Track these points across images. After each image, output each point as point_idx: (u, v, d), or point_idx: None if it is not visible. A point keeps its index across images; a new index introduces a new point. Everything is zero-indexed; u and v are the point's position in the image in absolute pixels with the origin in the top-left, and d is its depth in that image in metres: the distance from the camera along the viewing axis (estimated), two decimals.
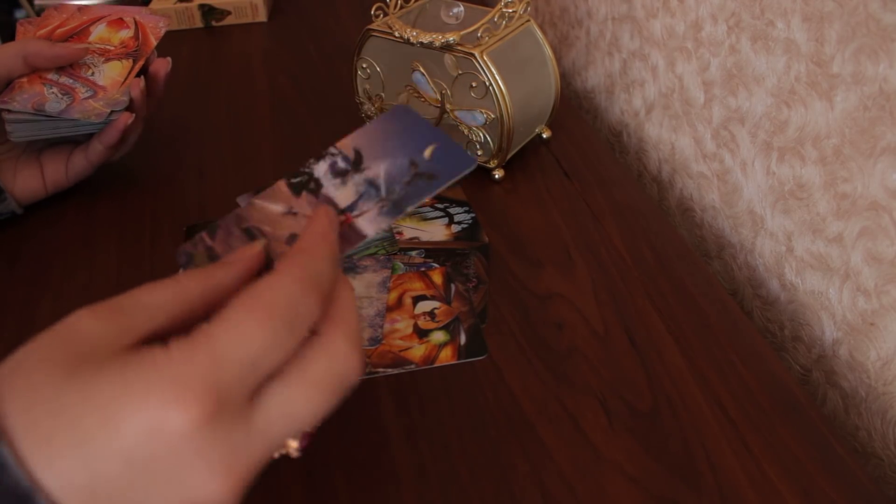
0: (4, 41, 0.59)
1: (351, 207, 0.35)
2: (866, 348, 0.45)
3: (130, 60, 0.58)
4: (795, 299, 0.51)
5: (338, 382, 0.26)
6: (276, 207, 0.36)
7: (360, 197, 0.35)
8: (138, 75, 0.57)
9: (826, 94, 0.45)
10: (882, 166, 0.42)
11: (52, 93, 0.54)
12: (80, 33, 0.58)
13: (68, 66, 0.56)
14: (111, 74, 0.57)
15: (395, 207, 0.34)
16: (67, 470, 0.22)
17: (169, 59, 0.59)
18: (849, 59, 0.43)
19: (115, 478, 0.22)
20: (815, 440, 0.39)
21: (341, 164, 0.37)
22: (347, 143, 0.37)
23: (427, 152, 0.36)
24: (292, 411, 0.25)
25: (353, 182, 0.36)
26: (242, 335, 0.24)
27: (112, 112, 0.54)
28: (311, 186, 0.36)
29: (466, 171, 0.34)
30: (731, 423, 0.40)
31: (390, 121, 0.37)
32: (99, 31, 0.59)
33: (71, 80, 0.56)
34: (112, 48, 0.58)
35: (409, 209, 0.34)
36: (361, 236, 0.33)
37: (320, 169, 0.36)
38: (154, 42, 0.59)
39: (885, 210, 0.42)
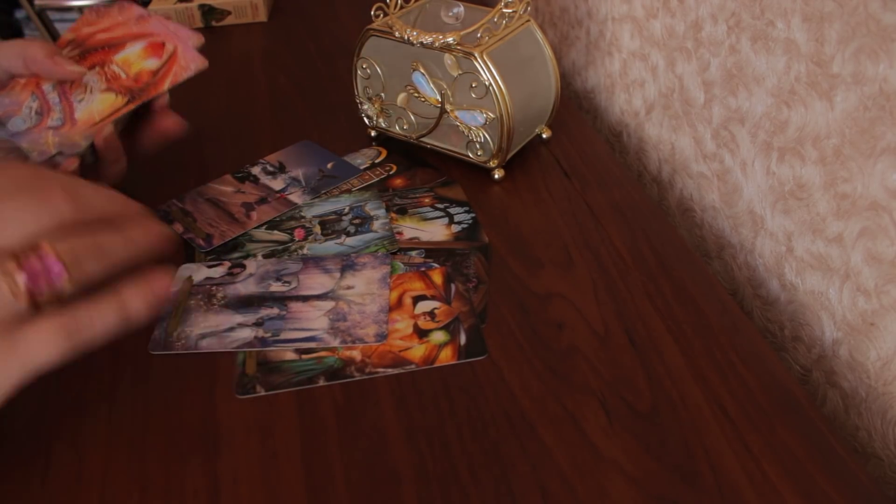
0: (5, 40, 0.58)
1: (283, 190, 0.59)
2: (866, 348, 0.45)
3: (125, 99, 0.53)
4: (795, 299, 0.51)
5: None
6: (227, 188, 0.60)
7: (288, 185, 0.60)
8: (139, 111, 0.53)
9: (826, 94, 0.45)
10: (882, 166, 0.42)
11: (29, 107, 0.51)
12: (115, 45, 0.55)
13: (67, 82, 0.52)
14: (96, 108, 0.52)
15: (313, 191, 0.59)
16: None
17: (184, 122, 0.54)
18: (849, 59, 0.43)
19: None
20: (815, 440, 0.39)
21: (270, 168, 0.62)
22: (272, 158, 0.63)
23: (329, 165, 0.62)
24: None
25: (282, 178, 0.60)
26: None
27: (58, 154, 0.49)
28: (251, 179, 0.60)
29: (356, 175, 0.61)
30: (731, 423, 0.40)
31: (301, 148, 0.64)
32: (131, 51, 0.54)
33: (56, 100, 0.52)
34: (124, 77, 0.54)
35: (322, 192, 0.58)
36: (292, 204, 0.57)
37: (256, 169, 0.61)
38: (166, 88, 0.54)
39: (885, 210, 0.42)
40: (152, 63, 0.54)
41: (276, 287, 0.49)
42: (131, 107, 0.53)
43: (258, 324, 0.46)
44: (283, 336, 0.45)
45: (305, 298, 0.48)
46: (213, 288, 0.49)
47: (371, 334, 0.45)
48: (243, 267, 0.51)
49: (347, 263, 0.51)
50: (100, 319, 0.33)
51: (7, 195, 0.31)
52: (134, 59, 0.54)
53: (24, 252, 0.30)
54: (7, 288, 0.30)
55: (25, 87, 0.53)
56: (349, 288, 0.49)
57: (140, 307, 0.34)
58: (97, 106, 0.52)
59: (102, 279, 0.33)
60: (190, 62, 0.54)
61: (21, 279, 0.30)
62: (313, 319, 0.46)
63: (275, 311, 0.47)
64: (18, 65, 0.52)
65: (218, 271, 0.51)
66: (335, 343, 0.45)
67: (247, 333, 0.46)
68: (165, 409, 0.42)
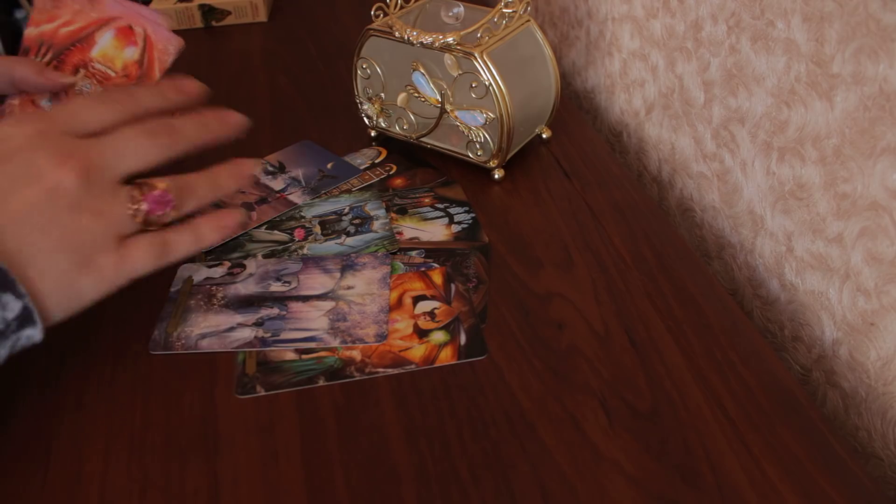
0: (4, 41, 0.57)
1: (283, 190, 0.59)
2: (866, 348, 0.45)
3: None
4: (795, 299, 0.51)
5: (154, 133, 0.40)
6: None
7: (288, 185, 0.60)
8: None
9: (826, 94, 0.45)
10: (882, 166, 0.42)
11: None
12: (85, 40, 0.54)
13: (62, 92, 0.52)
14: None
15: (312, 191, 0.59)
16: None
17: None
18: (849, 59, 0.43)
19: None
20: (815, 440, 0.39)
21: (270, 168, 0.61)
22: (272, 158, 0.63)
23: (329, 165, 0.61)
24: (114, 140, 0.39)
25: (282, 178, 0.60)
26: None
27: None
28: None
29: (356, 175, 0.61)
30: (731, 423, 0.40)
31: (301, 148, 0.64)
32: (104, 44, 0.54)
33: None
34: (113, 74, 0.53)
35: (322, 192, 0.59)
36: (292, 203, 0.57)
37: (256, 169, 0.54)
38: (158, 76, 0.54)
39: (885, 210, 0.42)
40: (132, 52, 0.54)
41: (276, 287, 0.49)
42: None
43: (258, 324, 0.46)
44: (283, 336, 0.45)
45: (305, 298, 0.48)
46: (213, 288, 0.49)
47: (371, 334, 0.45)
48: (243, 267, 0.51)
49: (347, 263, 0.51)
50: (181, 243, 0.41)
51: (128, 130, 0.39)
52: (111, 52, 0.54)
53: (146, 185, 0.39)
54: (132, 212, 0.39)
55: (23, 107, 0.52)
56: (349, 288, 0.49)
57: (211, 235, 0.43)
58: None
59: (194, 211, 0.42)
60: (167, 43, 0.54)
61: (144, 206, 0.39)
62: (313, 319, 0.46)
63: (275, 311, 0.47)
64: (5, 84, 0.52)
65: (218, 271, 0.51)
66: (335, 343, 0.45)
67: (247, 333, 0.46)
68: (165, 408, 0.42)
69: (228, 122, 0.46)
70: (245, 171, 0.45)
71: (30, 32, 0.54)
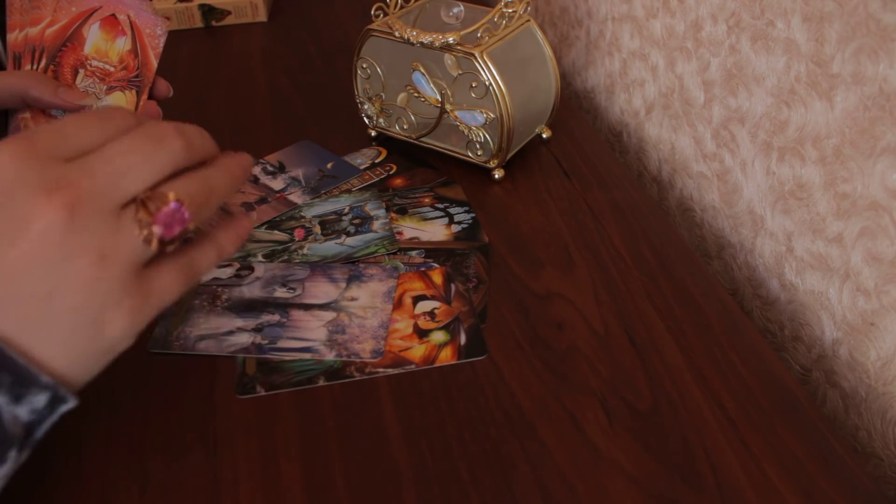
0: (4, 40, 0.57)
1: (283, 190, 0.59)
2: (866, 348, 0.45)
3: (134, 92, 0.53)
4: (795, 299, 0.51)
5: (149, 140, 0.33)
6: None
7: (288, 185, 0.60)
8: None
9: (826, 94, 0.45)
10: (882, 166, 0.42)
11: None
12: (74, 37, 0.53)
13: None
14: None
15: (312, 191, 0.59)
16: None
17: (169, 85, 0.54)
18: (849, 59, 0.43)
19: None
20: (815, 440, 0.39)
21: (270, 168, 0.61)
22: (272, 158, 0.63)
23: (329, 165, 0.62)
24: (111, 155, 0.32)
25: (282, 178, 0.61)
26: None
27: None
28: (251, 178, 0.60)
29: (356, 175, 0.61)
30: (731, 423, 0.40)
31: (301, 148, 0.65)
32: (94, 39, 0.53)
33: None
34: (112, 69, 0.53)
35: (322, 192, 0.59)
36: (292, 203, 0.58)
37: (255, 169, 0.60)
38: (155, 62, 0.53)
39: (885, 210, 0.42)
40: (123, 42, 0.54)
41: (280, 293, 0.49)
42: (144, 97, 0.53)
43: (257, 329, 0.46)
44: (280, 344, 0.45)
45: (308, 307, 0.48)
46: (219, 289, 0.49)
47: (367, 350, 0.45)
48: (251, 269, 0.51)
49: (354, 274, 0.50)
50: (205, 260, 0.36)
51: (126, 139, 0.33)
52: (103, 45, 0.53)
53: (153, 201, 0.32)
54: (143, 237, 0.32)
55: (35, 120, 0.51)
56: (353, 300, 0.48)
57: (231, 246, 0.38)
58: None
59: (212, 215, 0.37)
60: (153, 27, 0.53)
61: (157, 230, 0.32)
62: (312, 329, 0.46)
63: (276, 317, 0.47)
64: (16, 101, 0.50)
65: (226, 272, 0.51)
66: (330, 356, 0.44)
67: (245, 339, 0.46)
68: (165, 408, 0.42)
69: (243, 162, 0.39)
70: (246, 159, 0.39)
71: (15, 37, 0.53)
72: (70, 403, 0.32)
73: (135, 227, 0.32)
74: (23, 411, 0.31)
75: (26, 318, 0.31)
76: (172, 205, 0.33)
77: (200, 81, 0.78)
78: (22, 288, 0.30)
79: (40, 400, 0.31)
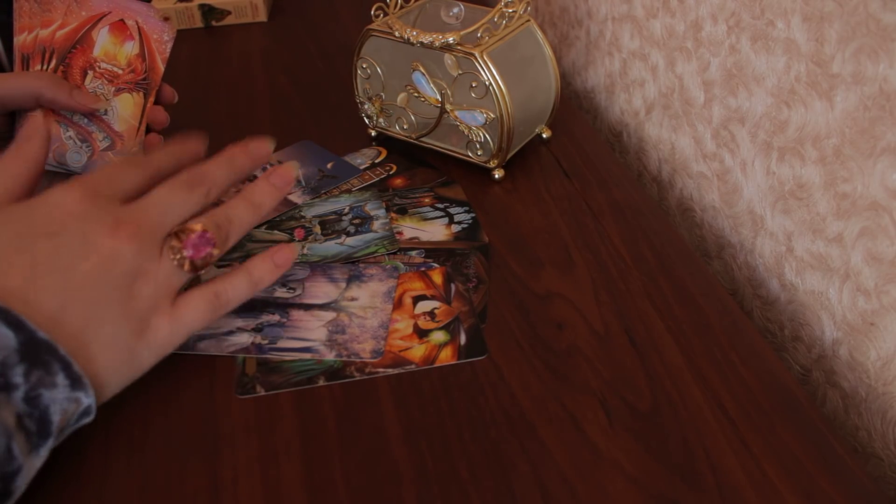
0: (4, 41, 0.57)
1: None
2: (866, 348, 0.45)
3: (141, 94, 0.54)
4: (795, 299, 0.51)
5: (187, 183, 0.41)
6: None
7: None
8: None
9: (826, 94, 0.45)
10: (882, 166, 0.42)
11: (70, 138, 0.51)
12: (84, 41, 0.54)
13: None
14: (125, 115, 0.53)
15: (312, 191, 0.59)
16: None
17: (175, 91, 0.58)
18: (849, 59, 0.43)
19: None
20: (815, 440, 0.39)
21: (269, 168, 0.55)
22: (272, 158, 0.62)
23: (329, 165, 0.62)
24: (157, 199, 0.40)
25: None
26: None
27: None
28: (251, 178, 0.53)
29: (356, 175, 0.61)
30: (731, 423, 0.40)
31: (301, 148, 0.65)
32: (103, 42, 0.54)
33: (86, 121, 0.52)
34: (121, 72, 0.54)
35: (322, 192, 0.59)
36: (292, 203, 0.58)
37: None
38: (162, 67, 0.55)
39: (885, 210, 0.42)
40: (131, 46, 0.55)
41: (280, 293, 0.49)
42: (151, 99, 0.54)
43: (257, 329, 0.46)
44: (280, 344, 0.45)
45: (307, 307, 0.48)
46: None
47: (367, 350, 0.45)
48: None
49: (355, 274, 0.50)
50: (235, 289, 0.42)
51: (167, 185, 0.41)
52: (112, 49, 0.55)
53: (184, 232, 0.40)
54: (176, 262, 0.39)
55: (47, 121, 0.51)
56: (353, 300, 0.48)
57: (265, 276, 0.43)
58: (125, 112, 0.54)
59: (238, 241, 0.43)
60: (161, 33, 0.56)
61: (187, 253, 0.39)
62: (312, 329, 0.46)
63: (275, 317, 0.47)
64: (29, 102, 0.50)
65: (226, 272, 0.51)
66: (330, 356, 0.44)
67: (244, 339, 0.46)
68: (165, 408, 0.42)
69: (255, 155, 0.46)
70: (284, 180, 0.46)
71: (24, 40, 0.53)
72: (90, 417, 0.37)
73: (170, 253, 0.39)
74: (65, 414, 0.35)
75: (88, 319, 0.36)
76: (199, 232, 0.40)
77: (200, 81, 0.78)
78: (89, 294, 0.36)
79: (82, 403, 0.36)
